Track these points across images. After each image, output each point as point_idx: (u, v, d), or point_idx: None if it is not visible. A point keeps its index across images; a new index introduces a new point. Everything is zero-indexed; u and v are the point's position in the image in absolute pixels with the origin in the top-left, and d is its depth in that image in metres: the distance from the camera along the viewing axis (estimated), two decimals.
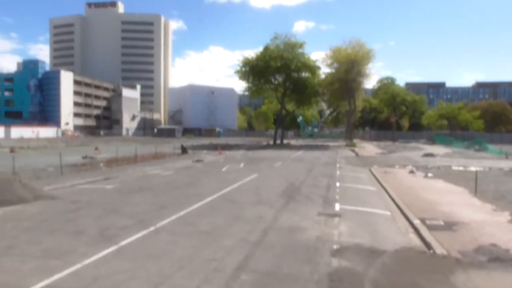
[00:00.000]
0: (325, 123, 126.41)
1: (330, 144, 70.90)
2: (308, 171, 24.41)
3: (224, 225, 10.07)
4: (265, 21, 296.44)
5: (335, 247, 8.35)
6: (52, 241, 8.50)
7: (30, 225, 9.97)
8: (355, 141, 69.77)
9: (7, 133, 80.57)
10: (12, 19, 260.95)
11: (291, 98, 70.13)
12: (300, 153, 44.08)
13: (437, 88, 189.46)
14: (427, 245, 8.63)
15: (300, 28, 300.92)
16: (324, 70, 68.55)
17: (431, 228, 9.86)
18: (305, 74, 66.04)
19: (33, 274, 6.52)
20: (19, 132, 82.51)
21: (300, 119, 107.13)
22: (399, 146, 59.98)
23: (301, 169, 25.67)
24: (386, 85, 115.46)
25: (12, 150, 36.72)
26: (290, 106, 75.53)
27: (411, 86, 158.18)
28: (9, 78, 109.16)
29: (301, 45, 64.73)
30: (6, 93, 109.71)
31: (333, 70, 67.29)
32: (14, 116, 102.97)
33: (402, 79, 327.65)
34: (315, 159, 34.93)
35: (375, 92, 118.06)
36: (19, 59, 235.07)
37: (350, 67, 62.97)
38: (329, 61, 67.02)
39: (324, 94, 71.05)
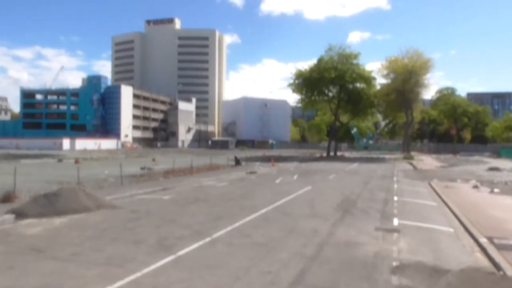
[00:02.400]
0: (380, 135, 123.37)
1: (386, 156, 68.89)
2: (363, 184, 23.81)
3: (279, 238, 10.00)
4: (319, 33, 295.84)
5: (394, 264, 8.02)
6: (114, 249, 8.83)
7: (94, 233, 10.43)
8: (413, 153, 67.29)
9: (72, 145, 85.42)
10: (79, 37, 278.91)
11: (345, 110, 69.20)
12: (355, 165, 43.17)
13: (503, 98, 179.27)
14: (496, 265, 8.07)
15: (355, 38, 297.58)
16: (380, 81, 67.17)
17: (500, 247, 9.22)
18: (360, 85, 65.06)
19: (97, 281, 6.79)
20: (83, 144, 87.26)
21: (354, 130, 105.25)
22: (460, 160, 57.16)
23: (357, 182, 25.09)
24: (446, 95, 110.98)
25: (76, 161, 38.93)
26: (344, 118, 74.50)
27: (474, 97, 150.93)
28: (74, 93, 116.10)
29: (356, 56, 63.90)
30: (72, 107, 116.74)
31: (389, 81, 65.60)
32: (78, 129, 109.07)
33: (463, 89, 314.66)
34: (371, 172, 34.04)
35: (434, 103, 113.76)
36: (84, 75, 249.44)
37: (407, 78, 61.13)
38: (385, 72, 65.47)
39: (380, 105, 69.36)
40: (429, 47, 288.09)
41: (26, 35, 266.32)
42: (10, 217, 11.66)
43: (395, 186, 22.94)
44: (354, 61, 63.82)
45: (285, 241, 9.68)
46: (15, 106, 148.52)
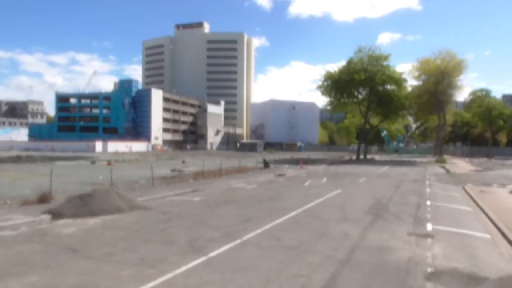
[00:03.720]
0: (411, 138, 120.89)
1: (418, 160, 67.37)
2: (395, 187, 23.36)
3: (309, 241, 9.92)
4: (348, 35, 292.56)
5: (429, 270, 7.82)
6: (146, 250, 8.97)
7: (126, 233, 10.63)
8: (445, 157, 65.54)
9: (105, 148, 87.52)
10: (111, 43, 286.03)
11: (375, 112, 68.15)
12: (385, 168, 42.43)
13: None
14: None
15: (385, 40, 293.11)
16: (411, 83, 65.61)
17: None
18: (390, 87, 63.91)
19: (130, 281, 6.91)
20: (114, 146, 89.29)
21: (384, 133, 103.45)
22: (496, 163, 55.26)
23: (388, 185, 24.64)
24: (480, 97, 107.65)
25: (109, 163, 39.83)
26: (374, 120, 73.38)
27: (509, 99, 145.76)
28: (107, 97, 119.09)
29: (386, 58, 62.85)
30: (104, 111, 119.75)
31: (421, 83, 64.10)
32: (110, 132, 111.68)
33: (498, 91, 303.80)
34: (402, 175, 33.37)
35: (467, 105, 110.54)
36: (115, 79, 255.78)
37: (439, 79, 59.55)
38: (416, 73, 63.92)
39: (411, 108, 67.85)
40: (462, 47, 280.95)
41: (61, 41, 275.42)
42: (47, 217, 12.04)
43: (428, 190, 22.39)
44: (384, 63, 62.77)
45: (315, 245, 9.60)
46: (51, 109, 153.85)
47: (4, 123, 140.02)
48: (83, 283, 6.81)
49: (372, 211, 14.76)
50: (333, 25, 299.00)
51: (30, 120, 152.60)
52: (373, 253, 8.95)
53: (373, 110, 67.09)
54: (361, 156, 67.39)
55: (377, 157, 75.53)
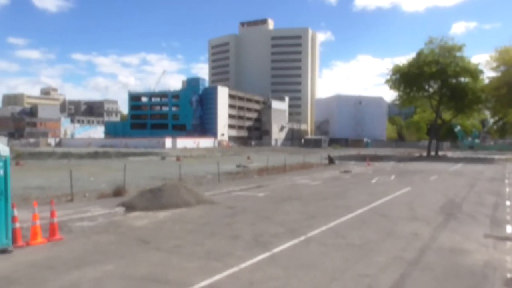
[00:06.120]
0: (488, 134, 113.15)
1: (495, 157, 63.04)
2: (469, 186, 22.00)
3: (376, 240, 9.63)
4: (418, 25, 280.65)
5: (509, 276, 7.25)
6: (213, 243, 9.20)
7: (194, 227, 10.98)
8: None
9: (174, 144, 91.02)
10: (179, 43, 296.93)
11: (447, 106, 64.63)
12: (459, 166, 40.14)
13: None
14: None
15: (459, 29, 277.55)
16: (488, 74, 61.32)
17: None
18: (464, 80, 60.24)
19: (197, 273, 7.11)
20: (183, 142, 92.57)
21: (458, 128, 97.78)
22: None
23: (461, 184, 23.27)
24: None
25: (177, 159, 41.40)
26: (446, 115, 69.66)
27: None
28: (175, 95, 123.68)
29: (459, 48, 59.25)
30: (173, 108, 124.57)
31: (500, 74, 59.68)
32: (179, 129, 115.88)
33: None
34: (478, 173, 31.35)
35: None
36: (183, 77, 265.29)
37: None
38: (494, 64, 59.48)
39: (488, 101, 63.32)
40: None
41: (133, 43, 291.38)
42: (121, 209, 12.76)
43: (507, 189, 20.82)
44: (458, 54, 59.22)
45: (382, 244, 9.30)
46: (124, 108, 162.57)
47: (83, 121, 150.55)
48: (153, 273, 7.13)
49: (444, 210, 14.01)
50: (402, 16, 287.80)
51: (106, 118, 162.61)
52: (445, 255, 8.49)
53: (445, 104, 63.66)
54: (432, 153, 64.27)
55: (449, 154, 71.68)
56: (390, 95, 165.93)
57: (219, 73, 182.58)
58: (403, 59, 71.44)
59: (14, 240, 8.59)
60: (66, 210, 12.07)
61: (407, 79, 60.00)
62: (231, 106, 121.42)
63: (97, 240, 9.57)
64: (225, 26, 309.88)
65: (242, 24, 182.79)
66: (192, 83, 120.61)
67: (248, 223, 11.43)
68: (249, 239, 9.62)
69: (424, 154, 64.10)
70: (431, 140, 68.60)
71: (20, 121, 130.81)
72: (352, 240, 9.59)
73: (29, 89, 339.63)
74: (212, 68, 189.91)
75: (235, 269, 7.30)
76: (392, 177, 26.85)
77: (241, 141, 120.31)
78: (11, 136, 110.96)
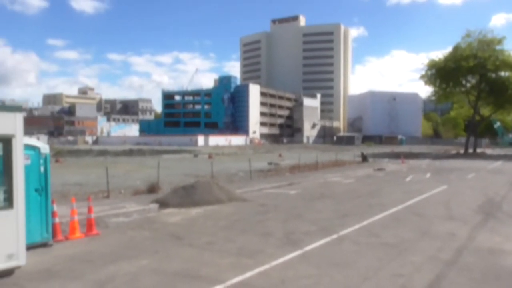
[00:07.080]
0: None
1: None
2: (510, 185, 21.16)
3: (411, 240, 9.41)
4: (455, 19, 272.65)
5: None
6: (244, 240, 9.25)
7: (226, 224, 11.07)
8: None
9: (206, 141, 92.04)
10: (211, 41, 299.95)
11: (486, 102, 62.26)
12: (498, 163, 38.68)
13: None
14: None
15: (499, 21, 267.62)
16: None
17: None
18: (505, 74, 57.83)
19: (229, 269, 7.17)
20: (215, 140, 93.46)
21: (497, 125, 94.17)
22: None
23: (501, 182, 22.42)
24: None
25: (210, 156, 41.85)
26: (485, 111, 67.19)
27: None
28: (208, 93, 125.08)
29: (499, 41, 56.87)
30: (206, 106, 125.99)
31: None
32: (211, 126, 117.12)
33: None
34: None
35: None
36: (215, 76, 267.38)
37: None
38: None
39: None
40: None
41: (166, 42, 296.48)
42: (155, 206, 13.01)
43: None
44: (498, 47, 56.83)
45: (417, 243, 9.08)
46: (158, 106, 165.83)
47: (119, 120, 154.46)
48: (186, 268, 7.24)
49: (483, 210, 13.54)
50: (438, 9, 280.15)
51: (140, 116, 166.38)
52: (483, 256, 8.20)
53: (483, 100, 61.36)
54: (470, 150, 62.15)
55: (488, 151, 69.15)
56: (425, 91, 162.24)
57: (251, 71, 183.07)
58: (439, 54, 69.35)
59: (54, 235, 8.91)
60: (103, 206, 12.41)
61: (443, 74, 58.17)
62: (262, 104, 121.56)
63: (132, 235, 9.80)
64: (257, 23, 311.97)
65: (274, 21, 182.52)
66: (224, 81, 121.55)
67: (280, 221, 11.42)
68: (281, 236, 9.61)
69: (461, 151, 62.09)
70: (468, 137, 66.38)
71: (59, 120, 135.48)
72: (386, 239, 9.41)
73: (68, 88, 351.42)
74: (243, 66, 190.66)
75: (266, 266, 7.31)
76: (428, 175, 26.18)
77: (273, 139, 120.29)
78: (51, 134, 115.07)
